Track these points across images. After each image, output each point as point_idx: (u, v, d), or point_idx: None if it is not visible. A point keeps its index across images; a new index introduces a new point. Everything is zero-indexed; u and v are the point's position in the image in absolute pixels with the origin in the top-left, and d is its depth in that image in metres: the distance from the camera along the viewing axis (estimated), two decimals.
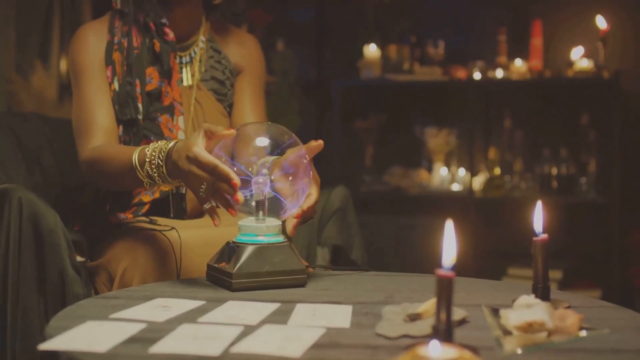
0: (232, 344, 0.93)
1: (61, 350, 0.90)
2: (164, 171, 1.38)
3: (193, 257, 1.50)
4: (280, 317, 1.07)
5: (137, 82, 1.66)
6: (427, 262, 2.93)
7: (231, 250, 1.30)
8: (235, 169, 1.29)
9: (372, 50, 3.78)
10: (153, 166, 1.39)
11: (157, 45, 1.68)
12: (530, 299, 1.02)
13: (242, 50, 1.84)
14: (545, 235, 1.13)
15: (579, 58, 3.54)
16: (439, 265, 0.78)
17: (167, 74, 1.70)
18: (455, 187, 3.77)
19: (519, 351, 0.93)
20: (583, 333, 1.01)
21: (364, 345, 0.95)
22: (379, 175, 3.89)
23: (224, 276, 1.28)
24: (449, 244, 0.79)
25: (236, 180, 1.24)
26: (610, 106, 3.45)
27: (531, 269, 1.16)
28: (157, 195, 1.67)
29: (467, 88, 3.70)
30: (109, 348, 0.91)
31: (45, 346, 0.91)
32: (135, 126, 1.65)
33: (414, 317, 1.03)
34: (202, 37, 1.78)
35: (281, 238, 1.32)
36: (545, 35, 3.66)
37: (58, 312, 1.11)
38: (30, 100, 3.27)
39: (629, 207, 3.52)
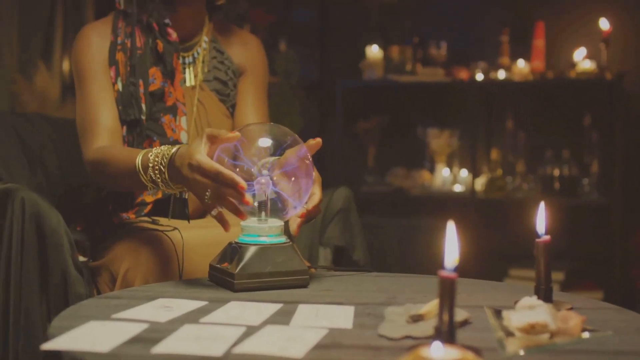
0: (235, 344, 0.93)
1: (64, 350, 0.90)
2: (167, 177, 1.38)
3: (195, 257, 1.50)
4: (282, 317, 1.07)
5: (141, 82, 1.66)
6: (429, 263, 2.93)
7: (233, 251, 1.30)
8: (237, 169, 1.29)
9: (374, 51, 3.78)
10: (156, 171, 1.39)
11: (160, 45, 1.69)
12: (533, 300, 1.02)
13: (245, 51, 1.84)
14: (547, 237, 1.13)
15: (581, 59, 3.54)
16: (442, 267, 0.78)
17: (170, 75, 1.70)
18: (458, 188, 3.77)
19: (522, 352, 0.93)
20: (585, 335, 1.00)
21: (367, 346, 0.95)
22: (381, 176, 3.89)
23: (226, 277, 1.28)
24: (451, 245, 0.79)
25: (242, 183, 1.24)
26: (612, 107, 3.45)
27: (533, 270, 1.16)
28: (159, 195, 1.67)
29: (470, 89, 3.70)
30: (112, 348, 0.91)
31: (47, 346, 0.91)
32: (138, 126, 1.65)
33: (417, 318, 1.03)
34: (205, 38, 1.78)
35: (283, 239, 1.32)
36: (547, 37, 3.65)
37: (60, 312, 1.11)
38: (33, 100, 3.27)
39: (631, 209, 3.51)
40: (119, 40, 1.68)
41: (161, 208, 1.66)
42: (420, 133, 3.86)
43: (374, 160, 3.93)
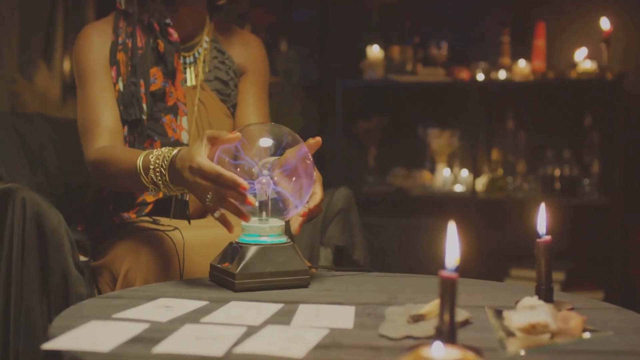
0: (235, 344, 0.93)
1: (64, 349, 0.90)
2: (167, 179, 1.38)
3: (196, 257, 1.50)
4: (283, 317, 1.07)
5: (142, 82, 1.66)
6: (429, 263, 2.93)
7: (234, 251, 1.30)
8: (238, 169, 1.29)
9: (375, 51, 3.78)
10: (157, 173, 1.39)
11: (161, 45, 1.69)
12: (534, 300, 1.02)
13: (246, 51, 1.84)
14: (548, 237, 1.13)
15: (582, 59, 3.54)
16: (442, 266, 0.78)
17: (171, 74, 1.70)
18: (458, 188, 3.77)
19: (522, 353, 0.93)
20: (586, 335, 1.00)
21: (367, 346, 0.95)
22: (381, 176, 3.89)
23: (227, 276, 1.28)
24: (452, 246, 0.79)
25: (244, 184, 1.24)
26: (613, 107, 3.45)
27: (534, 271, 1.16)
28: (160, 195, 1.67)
29: (470, 89, 3.70)
30: (112, 348, 0.91)
31: (48, 346, 0.91)
32: (139, 126, 1.65)
33: (417, 318, 1.03)
34: (206, 38, 1.78)
35: (284, 238, 1.32)
36: (548, 37, 3.65)
37: (61, 312, 1.11)
38: (34, 100, 3.27)
39: (631, 209, 3.51)
40: (120, 40, 1.68)
41: (162, 208, 1.66)
42: (420, 133, 3.86)
43: (375, 160, 3.93)
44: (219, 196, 1.26)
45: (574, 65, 3.55)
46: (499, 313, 1.09)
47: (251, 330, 0.99)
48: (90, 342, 0.92)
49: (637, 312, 1.16)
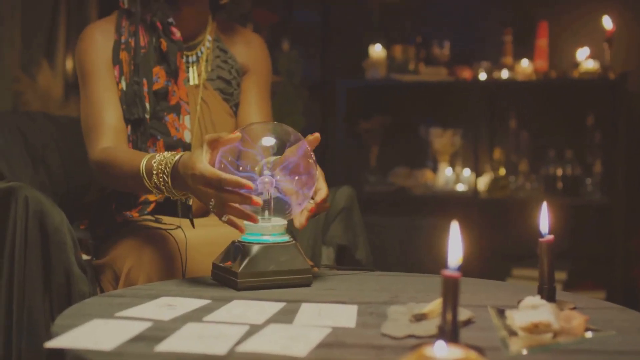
0: (238, 343, 0.93)
1: (67, 348, 0.90)
2: (170, 185, 1.39)
3: (198, 256, 1.50)
4: (285, 316, 1.07)
5: (144, 81, 1.66)
6: (431, 262, 2.93)
7: (237, 250, 1.30)
8: (240, 169, 1.29)
9: (377, 50, 3.78)
10: (160, 179, 1.40)
11: (164, 44, 1.69)
12: (536, 300, 1.02)
13: (249, 50, 1.84)
14: (551, 237, 1.13)
15: (584, 59, 3.54)
16: (444, 266, 0.78)
17: (173, 73, 1.70)
18: (460, 187, 3.77)
19: (525, 352, 0.93)
20: (589, 334, 1.00)
21: (370, 345, 0.95)
22: (383, 175, 3.89)
23: (229, 275, 1.28)
24: (455, 245, 0.79)
25: (248, 183, 1.24)
26: (615, 107, 3.44)
27: (536, 270, 1.16)
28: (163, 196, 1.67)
29: (473, 88, 3.70)
30: (115, 346, 0.91)
31: (51, 344, 0.91)
32: (142, 125, 1.65)
33: (420, 317, 1.03)
34: (208, 37, 1.78)
35: (287, 237, 1.32)
36: (551, 36, 3.65)
37: (64, 311, 1.12)
38: (36, 99, 3.28)
39: (633, 209, 3.51)
40: (123, 39, 1.69)
41: (164, 207, 1.67)
42: (422, 132, 3.86)
43: (377, 159, 3.93)
44: (222, 202, 1.27)
45: (576, 64, 3.54)
46: (501, 312, 1.09)
47: (254, 329, 0.99)
48: (93, 341, 0.92)
49: (639, 312, 1.16)
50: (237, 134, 1.29)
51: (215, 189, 1.26)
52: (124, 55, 1.68)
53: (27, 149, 1.87)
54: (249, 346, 0.91)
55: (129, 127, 1.66)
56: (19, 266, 1.42)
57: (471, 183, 3.69)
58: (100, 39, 1.68)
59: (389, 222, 3.70)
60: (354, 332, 1.00)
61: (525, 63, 3.60)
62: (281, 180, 1.30)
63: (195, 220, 1.59)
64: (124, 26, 1.70)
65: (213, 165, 1.29)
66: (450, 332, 0.76)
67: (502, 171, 3.71)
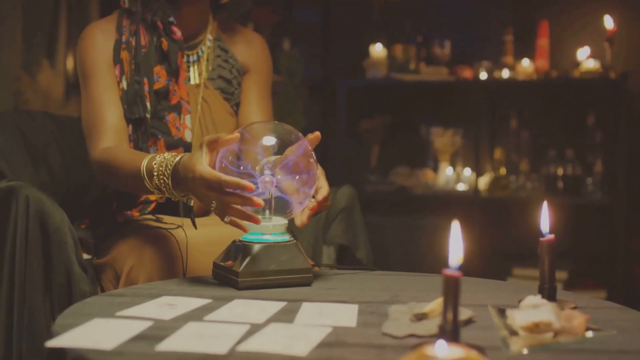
0: (239, 342, 0.93)
1: (68, 347, 0.90)
2: (171, 187, 1.39)
3: (199, 255, 1.50)
4: (286, 315, 1.08)
5: (145, 80, 1.66)
6: (432, 261, 2.93)
7: (237, 249, 1.30)
8: (241, 167, 1.29)
9: (378, 50, 3.78)
10: (161, 180, 1.40)
11: (165, 43, 1.69)
12: (537, 299, 1.02)
13: (249, 50, 1.84)
14: (551, 236, 1.13)
15: (585, 58, 3.53)
16: (445, 265, 0.78)
17: (174, 73, 1.70)
18: (461, 187, 3.77)
19: (525, 351, 0.93)
20: (589, 334, 1.00)
21: (370, 345, 0.95)
22: (384, 175, 3.89)
23: (230, 274, 1.28)
24: (456, 244, 0.79)
25: (249, 185, 1.24)
26: (616, 107, 3.44)
27: (536, 270, 1.16)
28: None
29: (473, 88, 3.70)
30: (116, 345, 0.91)
31: (52, 343, 0.91)
32: (143, 125, 1.66)
33: (421, 317, 1.03)
34: (209, 36, 1.78)
35: (287, 237, 1.32)
36: (551, 36, 3.65)
37: (64, 310, 1.12)
38: (37, 98, 3.28)
39: (634, 208, 3.51)
40: (124, 38, 1.69)
41: (165, 206, 1.67)
42: (423, 132, 3.86)
43: (377, 159, 3.93)
44: (223, 204, 1.27)
45: (577, 64, 3.54)
46: (502, 312, 1.09)
47: (254, 328, 0.99)
48: (94, 340, 0.92)
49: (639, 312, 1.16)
50: (236, 134, 1.29)
51: (216, 191, 1.26)
52: (124, 55, 1.68)
53: (28, 149, 1.87)
54: (250, 345, 0.91)
55: (130, 126, 1.66)
56: (20, 265, 1.42)
57: (472, 182, 3.69)
58: (101, 39, 1.68)
59: (390, 222, 3.70)
60: (354, 332, 1.00)
61: (526, 62, 3.60)
62: (282, 180, 1.30)
63: (196, 220, 1.59)
64: (125, 25, 1.70)
65: (213, 166, 1.29)
66: (451, 332, 0.76)
67: (503, 171, 3.71)
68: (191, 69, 1.75)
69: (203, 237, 1.53)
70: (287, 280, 1.29)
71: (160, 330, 0.98)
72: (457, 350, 0.72)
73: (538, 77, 3.58)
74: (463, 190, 3.74)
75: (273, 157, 1.30)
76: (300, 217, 1.32)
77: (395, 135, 3.94)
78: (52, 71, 3.42)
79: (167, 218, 1.62)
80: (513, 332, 0.99)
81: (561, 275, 3.39)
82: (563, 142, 3.63)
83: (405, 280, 1.40)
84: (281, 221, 1.32)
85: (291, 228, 1.36)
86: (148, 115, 1.66)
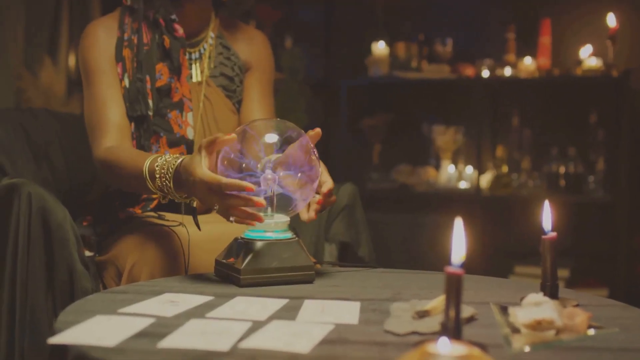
0: (241, 339, 0.93)
1: (70, 344, 0.90)
2: (172, 189, 1.39)
3: (201, 252, 1.50)
4: (288, 313, 1.08)
5: (147, 78, 1.66)
6: (434, 259, 2.93)
7: (239, 246, 1.30)
8: (243, 165, 1.29)
9: (380, 47, 3.77)
10: (163, 182, 1.40)
11: (167, 41, 1.69)
12: (539, 297, 1.02)
13: (252, 47, 1.84)
14: (554, 234, 1.13)
15: (587, 56, 3.53)
16: (447, 263, 0.78)
17: (176, 70, 1.70)
18: (463, 184, 3.77)
19: (528, 349, 0.93)
20: (591, 331, 1.00)
21: (373, 342, 0.95)
22: (386, 172, 3.89)
23: (232, 272, 1.28)
24: (459, 242, 0.79)
25: (249, 185, 1.24)
26: (619, 105, 3.44)
27: (538, 267, 1.16)
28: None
29: (475, 86, 3.70)
30: (118, 342, 0.91)
31: (54, 340, 0.92)
32: (145, 122, 1.66)
33: (423, 314, 1.03)
34: (211, 34, 1.78)
35: (289, 234, 1.32)
36: (554, 34, 3.64)
37: (66, 307, 1.12)
38: (39, 96, 3.28)
39: (636, 206, 3.50)
40: (126, 36, 1.69)
41: (167, 203, 1.66)
42: (425, 130, 3.86)
43: (379, 157, 3.93)
44: (225, 206, 1.27)
45: (579, 62, 3.54)
46: (504, 309, 1.09)
47: (256, 326, 0.99)
48: (96, 337, 0.92)
49: None
50: (233, 135, 1.29)
51: (217, 194, 1.26)
52: (126, 52, 1.68)
53: (30, 146, 1.87)
54: (252, 342, 0.91)
55: (132, 124, 1.66)
56: (22, 263, 1.42)
57: (474, 180, 3.69)
58: (103, 36, 1.68)
59: (392, 219, 3.70)
60: (356, 329, 1.00)
61: (528, 60, 3.60)
62: (284, 177, 1.30)
63: (198, 217, 1.59)
64: (127, 23, 1.70)
65: (214, 168, 1.29)
66: (453, 329, 0.76)
67: (505, 168, 3.71)
68: (193, 66, 1.75)
69: (205, 234, 1.53)
70: (289, 277, 1.29)
71: (163, 327, 0.98)
72: (459, 348, 0.72)
73: (540, 75, 3.58)
74: (465, 188, 3.74)
75: (275, 155, 1.30)
76: (309, 213, 1.33)
77: (397, 133, 3.94)
78: (54, 69, 3.42)
79: (169, 215, 1.62)
80: (515, 330, 0.99)
81: (563, 273, 3.39)
82: (565, 140, 3.62)
83: (407, 278, 1.40)
84: (283, 218, 1.32)
85: (293, 225, 1.36)
86: (150, 113, 1.66)
